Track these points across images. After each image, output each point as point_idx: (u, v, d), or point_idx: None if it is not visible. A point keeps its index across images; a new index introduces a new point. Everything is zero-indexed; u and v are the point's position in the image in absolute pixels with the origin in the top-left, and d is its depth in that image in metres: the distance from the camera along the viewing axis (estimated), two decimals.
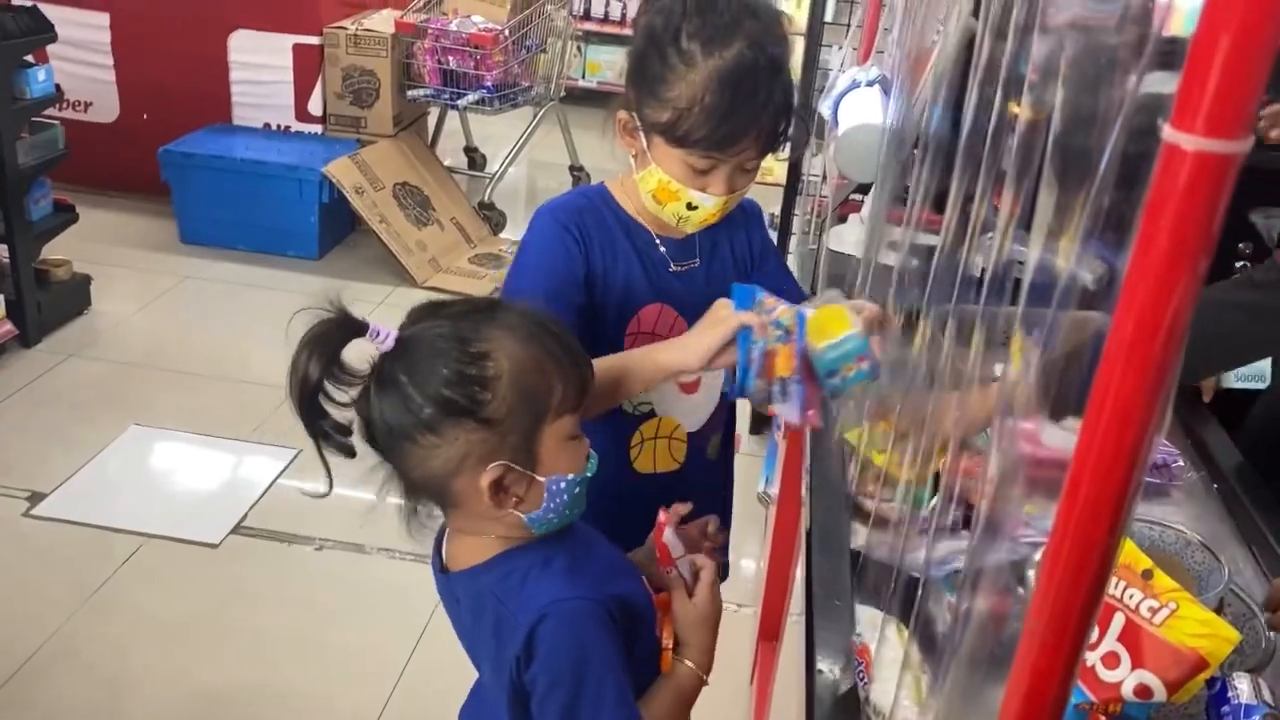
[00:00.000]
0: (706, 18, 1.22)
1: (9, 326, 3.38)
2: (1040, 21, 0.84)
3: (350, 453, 1.03)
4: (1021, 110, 0.86)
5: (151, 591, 2.51)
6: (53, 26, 3.49)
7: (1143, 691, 0.84)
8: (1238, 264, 2.04)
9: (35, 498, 2.78)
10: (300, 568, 2.60)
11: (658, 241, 1.37)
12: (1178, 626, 0.84)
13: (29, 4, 3.69)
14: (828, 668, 1.06)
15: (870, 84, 1.77)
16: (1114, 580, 0.88)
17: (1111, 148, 0.67)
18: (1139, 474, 0.46)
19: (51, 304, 3.58)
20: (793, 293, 1.43)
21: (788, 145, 1.31)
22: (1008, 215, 0.89)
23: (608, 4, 6.43)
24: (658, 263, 1.37)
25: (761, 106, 1.22)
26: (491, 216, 4.70)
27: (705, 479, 1.50)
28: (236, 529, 2.70)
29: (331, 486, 1.06)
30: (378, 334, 1.01)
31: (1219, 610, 0.99)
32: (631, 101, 1.28)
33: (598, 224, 1.34)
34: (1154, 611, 0.85)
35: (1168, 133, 0.41)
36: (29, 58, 3.42)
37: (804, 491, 1.38)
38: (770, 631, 2.20)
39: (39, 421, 3.15)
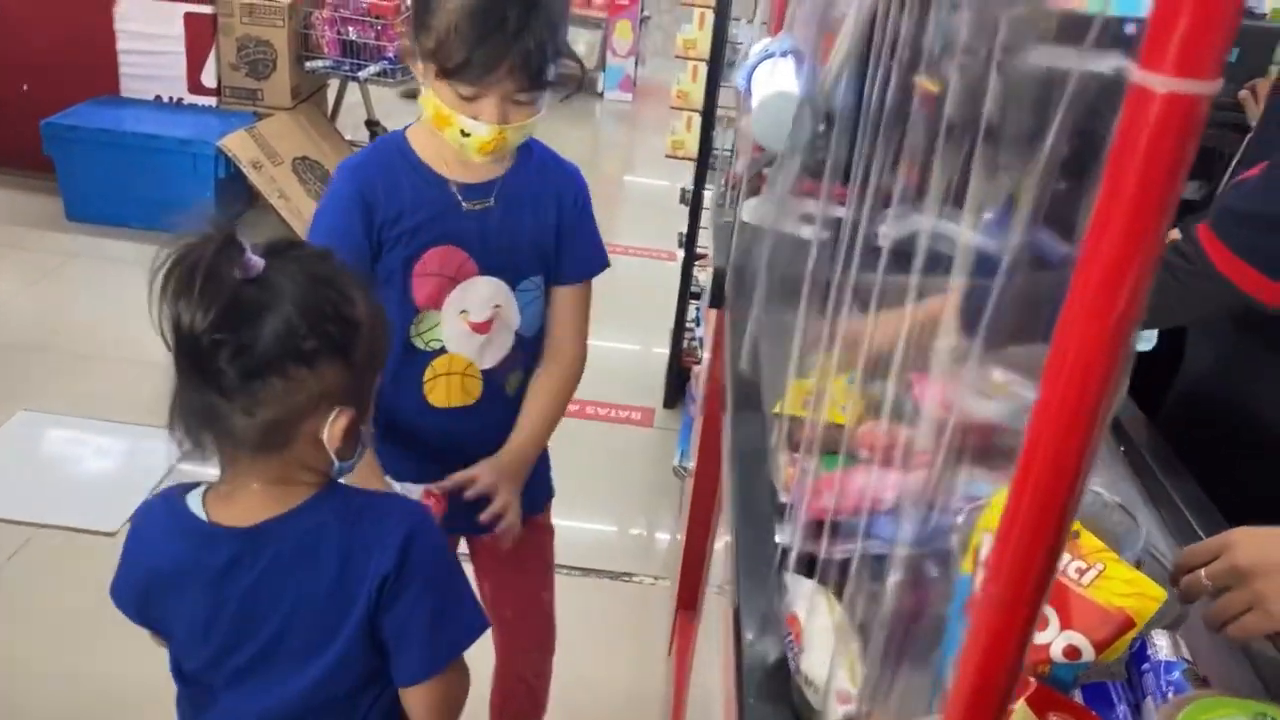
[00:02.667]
0: None
1: None
2: None
3: (223, 382, 1.00)
4: (925, 83, 0.87)
5: (44, 584, 2.39)
6: None
7: (1071, 653, 0.85)
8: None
9: None
10: None
11: (449, 182, 1.42)
12: (1105, 587, 0.84)
13: None
14: (756, 637, 1.04)
15: (784, 54, 1.75)
16: None
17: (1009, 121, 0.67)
18: (1100, 432, 0.45)
19: None
20: (593, 261, 1.54)
21: (564, 86, 1.41)
22: (914, 188, 0.89)
23: None
24: (448, 204, 1.42)
25: (513, 36, 1.27)
26: None
27: (503, 415, 1.54)
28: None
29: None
30: (249, 259, 0.98)
31: (1137, 569, 1.01)
32: (411, 30, 1.34)
33: (384, 173, 1.41)
34: (1081, 572, 0.85)
35: (1136, 73, 0.39)
36: None
37: (725, 461, 1.37)
38: (688, 601, 2.20)
39: None
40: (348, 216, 1.40)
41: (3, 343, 3.33)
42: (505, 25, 1.27)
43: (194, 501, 1.09)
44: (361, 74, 4.35)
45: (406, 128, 1.47)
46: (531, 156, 1.49)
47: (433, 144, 1.42)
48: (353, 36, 4.32)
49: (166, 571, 1.09)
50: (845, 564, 0.96)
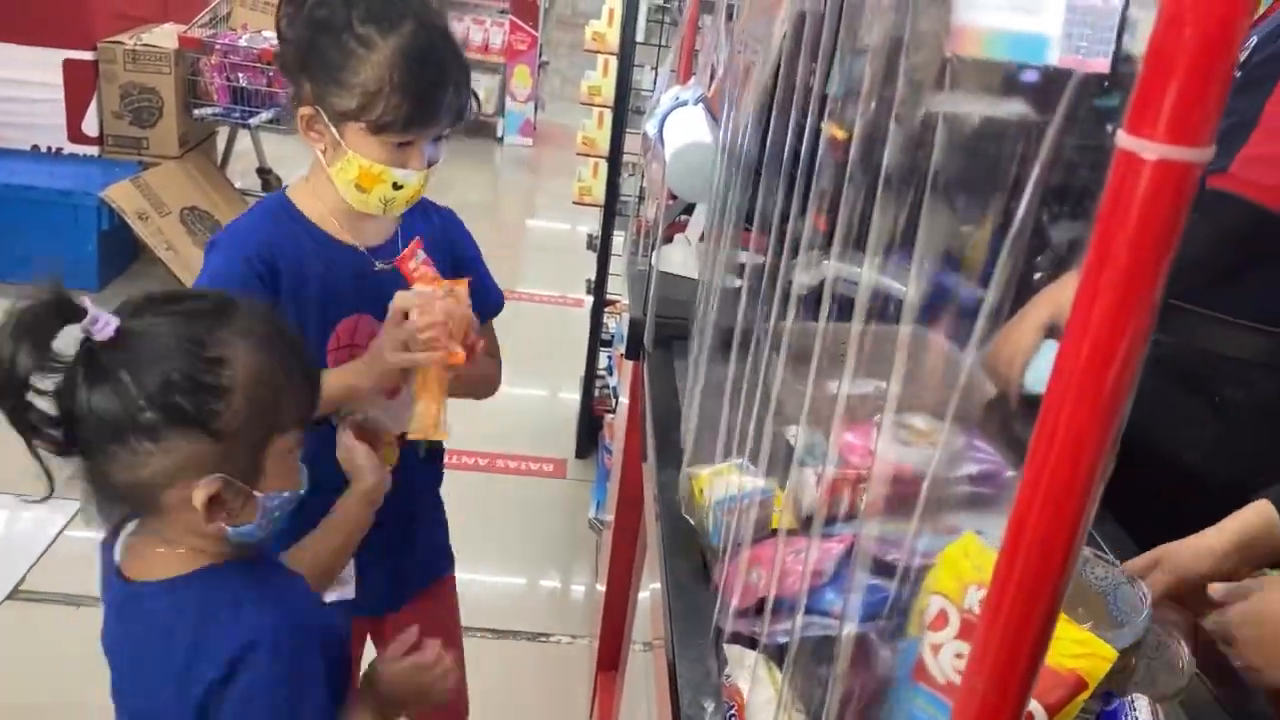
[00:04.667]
0: (370, 1, 1.24)
1: None
2: (850, 44, 0.84)
3: (66, 449, 0.95)
4: (834, 130, 0.87)
5: None
6: None
7: (1026, 718, 0.82)
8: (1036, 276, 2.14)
9: None
10: (92, 631, 2.36)
11: (355, 245, 1.37)
12: (1055, 648, 0.82)
13: None
14: (695, 712, 1.00)
15: (695, 102, 1.75)
16: None
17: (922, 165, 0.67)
18: (1090, 510, 0.43)
19: None
20: (494, 299, 1.52)
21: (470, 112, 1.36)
22: (824, 233, 0.89)
23: None
24: (356, 269, 1.37)
25: (450, 78, 1.27)
26: None
27: (419, 478, 1.52)
28: (14, 594, 2.44)
29: (53, 490, 0.96)
30: (96, 320, 0.93)
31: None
32: (309, 95, 1.27)
33: (282, 239, 1.33)
34: None
35: (1123, 139, 0.37)
36: None
37: (653, 518, 1.33)
38: (609, 661, 2.14)
39: None
40: (242, 289, 1.28)
41: None
42: (443, 67, 1.26)
43: (120, 542, 1.06)
44: (253, 121, 4.24)
45: (284, 189, 1.39)
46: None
47: (319, 207, 1.35)
48: (243, 83, 4.21)
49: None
50: (786, 635, 0.93)
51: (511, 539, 2.84)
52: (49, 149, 4.20)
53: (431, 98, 1.25)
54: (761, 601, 1.01)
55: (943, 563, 0.91)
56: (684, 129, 1.66)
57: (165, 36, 4.25)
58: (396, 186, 1.29)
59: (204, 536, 1.00)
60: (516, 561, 2.80)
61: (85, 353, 0.93)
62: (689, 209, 1.92)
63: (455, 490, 1.66)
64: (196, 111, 4.25)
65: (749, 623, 1.03)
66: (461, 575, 1.69)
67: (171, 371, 0.93)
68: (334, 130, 1.27)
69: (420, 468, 1.51)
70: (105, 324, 0.93)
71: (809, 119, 0.95)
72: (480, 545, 1.73)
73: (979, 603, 0.86)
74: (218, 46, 4.17)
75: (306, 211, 1.35)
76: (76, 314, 0.93)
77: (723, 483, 1.18)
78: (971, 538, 0.91)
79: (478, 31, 6.67)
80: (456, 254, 1.47)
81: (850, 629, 0.85)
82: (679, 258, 1.85)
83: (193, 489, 0.95)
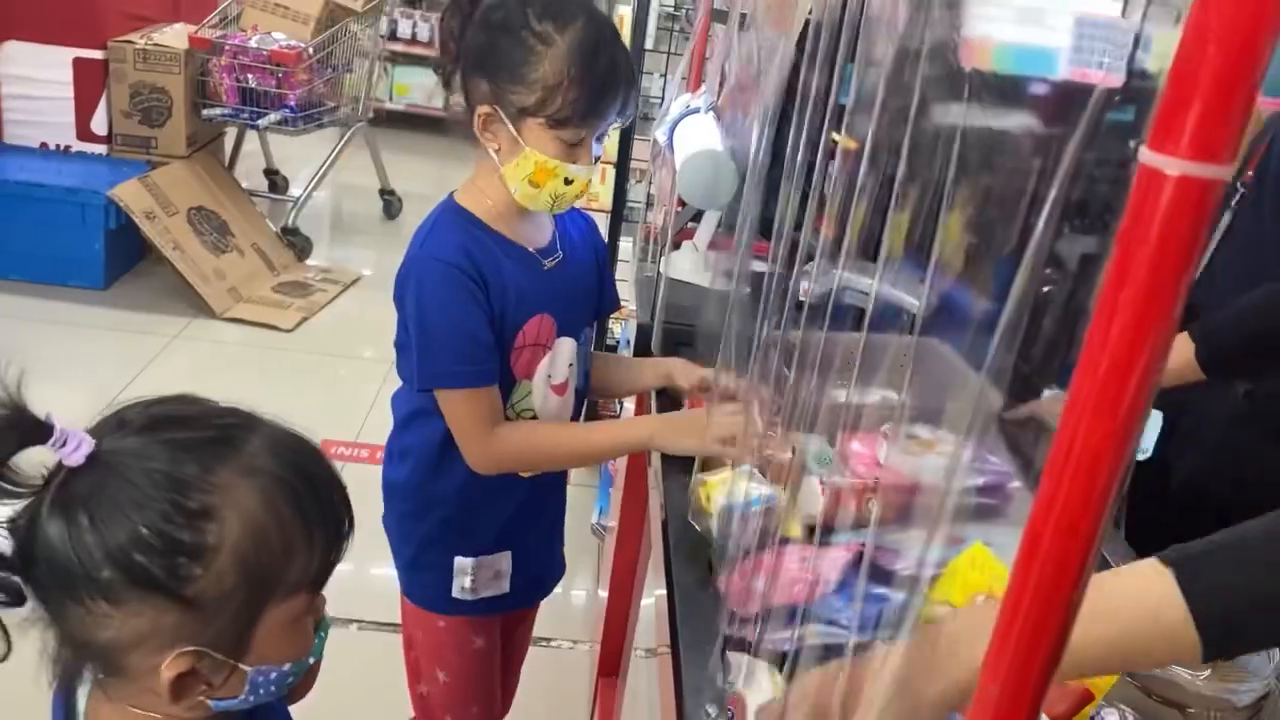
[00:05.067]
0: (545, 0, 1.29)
1: None
2: (862, 54, 0.84)
3: (15, 600, 0.76)
4: (844, 140, 0.87)
5: None
6: None
7: None
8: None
9: None
10: None
11: (526, 246, 1.40)
12: None
13: None
14: (699, 717, 1.00)
15: (706, 110, 1.75)
16: None
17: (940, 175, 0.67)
18: (1105, 527, 0.43)
19: None
20: (611, 295, 1.58)
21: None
22: (833, 241, 0.89)
23: (415, 25, 6.28)
24: (533, 268, 1.40)
25: (622, 71, 1.31)
26: (296, 242, 4.47)
27: (560, 477, 1.60)
28: None
29: (9, 649, 0.77)
30: (64, 440, 0.75)
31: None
32: (488, 94, 1.30)
33: (482, 252, 1.35)
34: None
35: (1145, 155, 0.37)
36: None
37: (658, 523, 1.33)
38: (610, 667, 2.14)
39: None
40: (477, 312, 1.32)
41: None
42: (615, 61, 1.30)
43: (81, 699, 0.84)
44: (261, 122, 4.26)
45: (451, 195, 1.40)
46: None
47: (490, 210, 1.38)
48: (252, 84, 4.22)
49: None
50: (790, 642, 0.93)
51: None
52: (57, 147, 4.21)
53: (606, 90, 1.29)
54: (767, 608, 1.01)
55: (950, 572, 0.91)
56: (695, 136, 1.66)
57: (176, 36, 4.26)
58: (567, 181, 1.32)
59: (179, 706, 0.80)
60: None
61: (53, 478, 0.76)
62: (697, 216, 1.92)
63: None
64: (205, 112, 4.26)
65: (753, 629, 1.03)
66: None
67: (139, 522, 0.74)
68: (511, 127, 1.30)
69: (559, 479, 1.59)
70: (76, 445, 0.75)
71: (820, 128, 0.95)
72: None
73: None
74: (227, 47, 4.19)
75: (481, 215, 1.38)
76: (38, 433, 0.75)
77: (731, 489, 1.18)
78: (980, 548, 0.92)
79: None
80: (599, 255, 1.55)
81: (855, 638, 0.84)
82: (687, 264, 1.85)
83: (161, 658, 0.76)
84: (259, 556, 0.77)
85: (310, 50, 4.26)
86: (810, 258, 0.97)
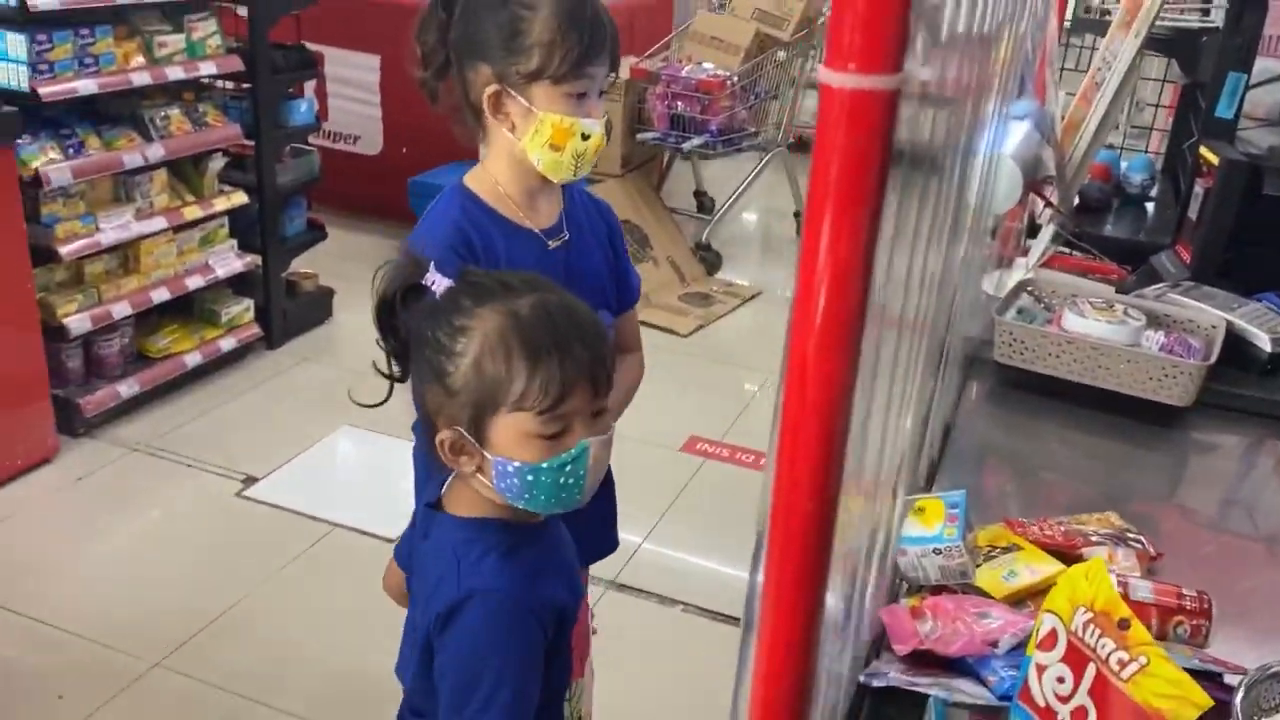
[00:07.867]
0: None
1: (256, 329, 3.75)
2: None
3: (402, 374, 1.15)
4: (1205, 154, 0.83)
5: (328, 577, 2.71)
6: (315, 63, 3.88)
7: None
8: None
9: (249, 481, 3.08)
10: None
11: (531, 227, 1.45)
12: (1145, 684, 0.75)
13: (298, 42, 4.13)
14: None
15: (1024, 118, 1.69)
16: (1090, 628, 0.80)
17: None
18: (843, 436, 0.44)
19: (296, 312, 3.95)
20: (637, 287, 1.60)
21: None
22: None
23: None
24: (535, 248, 1.45)
25: (603, 14, 1.38)
26: (707, 258, 4.77)
27: None
28: None
29: (392, 390, 1.18)
30: (434, 281, 1.14)
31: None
32: (490, 76, 1.38)
33: (472, 230, 1.41)
34: (1123, 665, 0.77)
35: (822, 74, 0.40)
36: (294, 90, 3.83)
37: None
38: None
39: (267, 416, 3.48)
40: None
41: (348, 367, 3.80)
42: (596, 11, 1.38)
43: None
44: (685, 145, 4.60)
45: (462, 178, 1.49)
46: (570, 194, 1.53)
47: (496, 191, 1.45)
48: (681, 110, 4.58)
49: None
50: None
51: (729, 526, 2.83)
52: None
53: (595, 33, 1.36)
54: (925, 651, 0.98)
55: (1064, 581, 0.86)
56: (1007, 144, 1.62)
57: (622, 68, 4.73)
58: (585, 137, 1.38)
59: (480, 484, 1.11)
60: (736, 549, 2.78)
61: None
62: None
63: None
64: (638, 135, 4.69)
65: (899, 666, 0.99)
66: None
67: (429, 331, 1.09)
68: (521, 99, 1.37)
69: None
70: (437, 285, 1.13)
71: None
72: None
73: (1083, 626, 0.82)
74: (663, 77, 4.58)
75: (485, 196, 1.45)
76: (421, 269, 1.15)
77: (923, 521, 1.12)
78: (1098, 561, 0.86)
79: None
80: (613, 241, 1.58)
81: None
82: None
83: (445, 433, 1.09)
84: (488, 369, 1.05)
85: (734, 79, 4.53)
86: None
